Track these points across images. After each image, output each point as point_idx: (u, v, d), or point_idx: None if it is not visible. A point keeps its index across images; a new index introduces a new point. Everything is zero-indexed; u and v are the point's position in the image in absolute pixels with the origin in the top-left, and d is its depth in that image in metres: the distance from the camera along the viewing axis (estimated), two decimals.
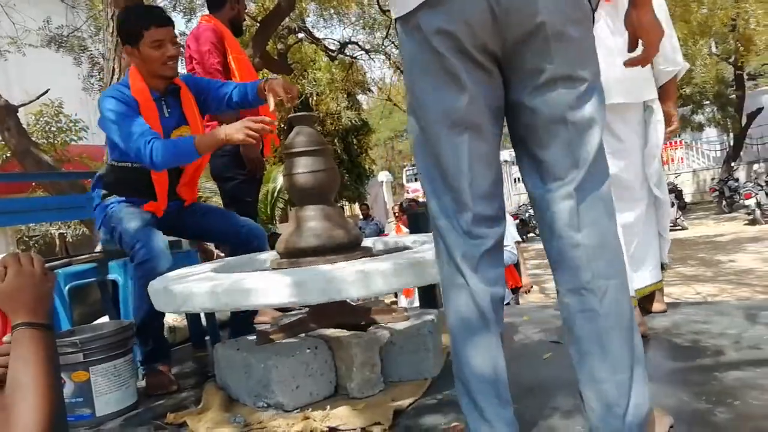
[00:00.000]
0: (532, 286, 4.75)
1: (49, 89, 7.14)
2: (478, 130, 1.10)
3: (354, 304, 2.07)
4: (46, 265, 1.07)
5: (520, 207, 14.73)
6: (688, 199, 16.73)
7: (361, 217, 12.26)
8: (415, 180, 23.21)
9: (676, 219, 11.84)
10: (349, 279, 1.34)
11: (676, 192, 13.64)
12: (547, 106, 1.07)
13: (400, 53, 1.15)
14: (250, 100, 2.15)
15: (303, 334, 1.83)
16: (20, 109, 6.68)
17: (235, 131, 1.86)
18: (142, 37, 1.99)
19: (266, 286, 1.34)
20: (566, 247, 1.09)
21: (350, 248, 1.82)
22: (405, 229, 4.83)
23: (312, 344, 1.70)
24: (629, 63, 1.17)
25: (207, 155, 2.18)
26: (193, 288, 1.43)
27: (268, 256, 2.10)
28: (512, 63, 1.08)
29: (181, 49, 2.11)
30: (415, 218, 2.71)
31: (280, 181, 13.38)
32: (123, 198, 2.15)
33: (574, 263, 1.08)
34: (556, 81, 1.05)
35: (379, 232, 9.94)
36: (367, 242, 2.07)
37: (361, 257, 1.76)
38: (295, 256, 1.78)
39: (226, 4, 2.91)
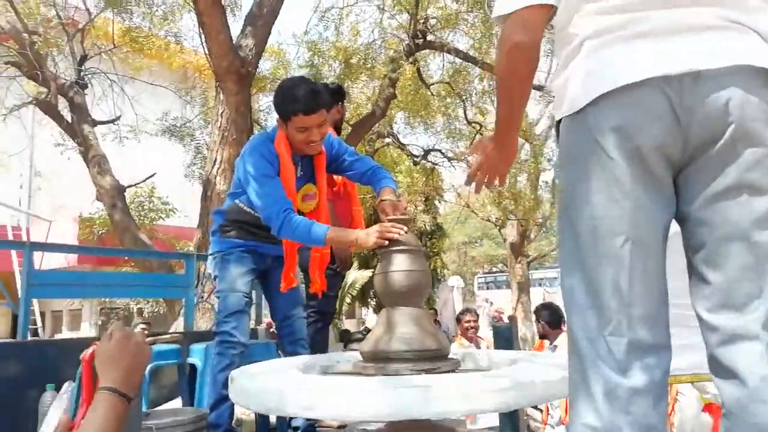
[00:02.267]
0: None
1: (155, 173, 7.76)
2: (642, 242, 0.96)
3: (435, 421, 1.91)
4: None
5: None
6: None
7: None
8: (487, 288, 22.62)
9: None
10: (451, 393, 1.21)
11: None
12: (725, 220, 0.93)
13: (559, 152, 1.10)
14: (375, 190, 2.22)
15: None
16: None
17: (367, 236, 1.84)
18: (290, 120, 2.07)
19: (360, 395, 1.24)
20: (753, 400, 0.89)
21: (439, 358, 1.70)
22: (465, 342, 4.59)
23: None
24: None
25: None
26: (281, 389, 1.33)
27: (349, 356, 2.01)
28: (689, 169, 0.97)
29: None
30: (500, 334, 2.53)
31: (351, 277, 13.50)
32: (241, 241, 2.25)
33: (762, 421, 0.88)
34: (740, 190, 0.92)
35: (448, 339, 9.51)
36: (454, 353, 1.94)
37: (451, 370, 1.64)
38: (380, 360, 1.68)
39: (333, 107, 3.10)
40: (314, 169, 2.26)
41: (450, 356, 1.78)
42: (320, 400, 1.23)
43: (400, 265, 1.74)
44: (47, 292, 3.15)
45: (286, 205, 1.97)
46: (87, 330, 13.19)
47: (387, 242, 1.79)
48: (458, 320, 4.88)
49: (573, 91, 1.02)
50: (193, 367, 2.31)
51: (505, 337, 2.39)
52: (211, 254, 2.28)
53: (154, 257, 6.53)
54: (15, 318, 12.53)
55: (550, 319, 4.11)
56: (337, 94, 3.28)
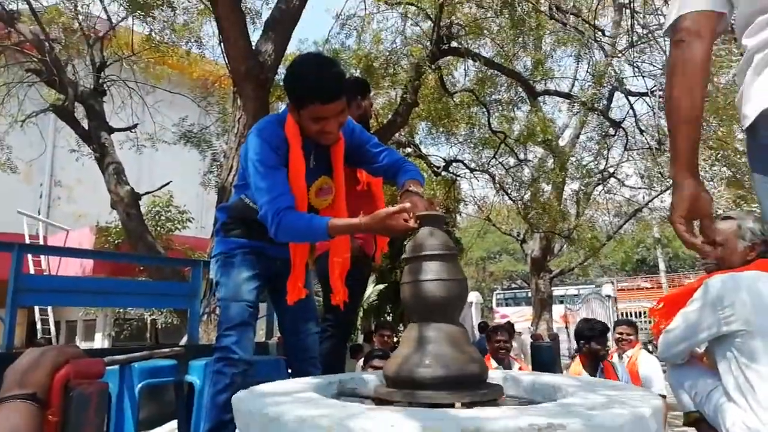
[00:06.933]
0: None
1: (171, 181, 7.62)
2: None
3: None
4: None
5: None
6: None
7: None
8: (506, 305, 22.09)
9: None
10: None
11: None
12: None
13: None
14: (398, 185, 1.88)
15: None
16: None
17: (385, 220, 1.56)
18: (305, 108, 1.77)
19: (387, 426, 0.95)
20: None
21: (478, 384, 1.42)
22: (494, 363, 4.11)
23: None
24: None
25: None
26: (304, 421, 1.05)
27: (371, 378, 1.73)
28: None
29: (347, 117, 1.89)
30: (540, 353, 2.23)
31: (366, 291, 13.18)
32: (245, 240, 2.02)
33: None
34: None
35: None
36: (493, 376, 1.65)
37: (494, 398, 1.36)
38: (408, 386, 1.40)
39: (352, 103, 2.83)
40: (330, 160, 1.95)
41: (490, 381, 1.50)
42: None
43: (434, 272, 1.46)
44: (37, 299, 2.92)
45: (285, 203, 1.67)
46: (99, 341, 13.05)
47: (417, 224, 1.53)
48: (488, 338, 4.37)
49: (746, 107, 1.10)
50: (191, 385, 2.05)
51: (548, 359, 2.08)
52: (213, 257, 2.02)
53: (156, 264, 6.33)
54: (32, 326, 12.46)
55: (604, 345, 3.36)
56: (363, 85, 3.03)
